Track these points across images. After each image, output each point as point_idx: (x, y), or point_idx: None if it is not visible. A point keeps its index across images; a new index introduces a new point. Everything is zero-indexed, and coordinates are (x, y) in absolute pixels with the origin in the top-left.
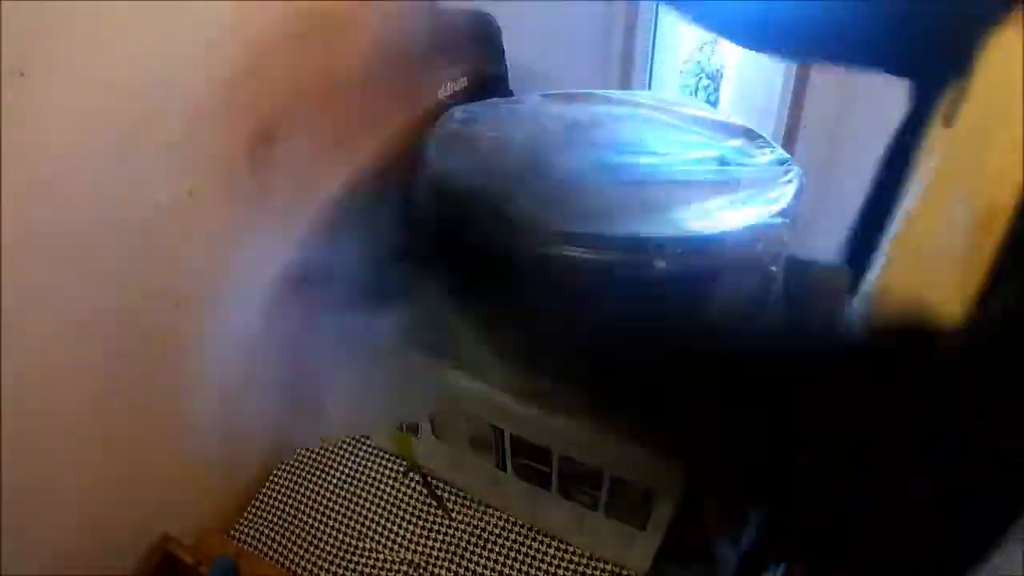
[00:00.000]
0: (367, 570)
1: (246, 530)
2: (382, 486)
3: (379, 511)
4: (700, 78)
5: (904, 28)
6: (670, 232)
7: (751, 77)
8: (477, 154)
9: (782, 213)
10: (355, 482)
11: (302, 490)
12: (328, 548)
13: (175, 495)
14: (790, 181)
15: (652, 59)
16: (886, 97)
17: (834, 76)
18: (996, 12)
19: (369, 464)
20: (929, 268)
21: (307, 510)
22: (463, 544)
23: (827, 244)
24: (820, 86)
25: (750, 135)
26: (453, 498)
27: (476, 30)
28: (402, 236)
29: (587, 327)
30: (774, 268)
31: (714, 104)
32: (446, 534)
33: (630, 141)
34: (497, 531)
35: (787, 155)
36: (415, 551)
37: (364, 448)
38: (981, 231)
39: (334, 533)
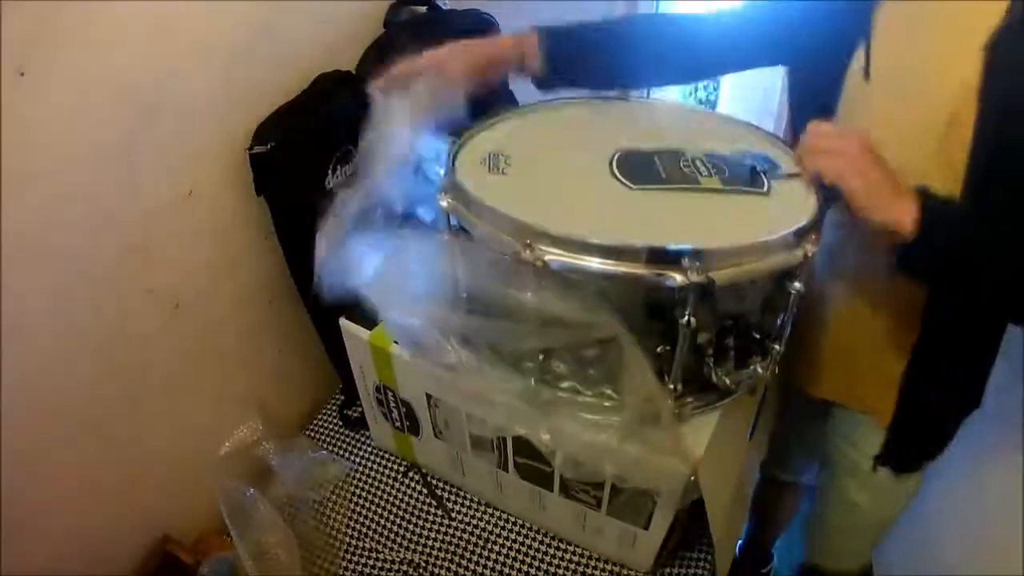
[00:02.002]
0: (367, 570)
1: None
2: (382, 486)
3: (379, 511)
4: None
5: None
6: (710, 244)
7: (751, 77)
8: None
9: (815, 219)
10: (355, 482)
11: None
12: (327, 548)
13: (175, 495)
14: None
15: None
16: None
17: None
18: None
19: (369, 464)
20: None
21: (306, 510)
22: (463, 544)
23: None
24: None
25: (771, 139)
26: (453, 498)
27: (476, 30)
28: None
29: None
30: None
31: (713, 105)
32: (446, 534)
33: (656, 146)
34: (497, 531)
35: None
36: (415, 551)
37: (364, 448)
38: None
39: (333, 532)
